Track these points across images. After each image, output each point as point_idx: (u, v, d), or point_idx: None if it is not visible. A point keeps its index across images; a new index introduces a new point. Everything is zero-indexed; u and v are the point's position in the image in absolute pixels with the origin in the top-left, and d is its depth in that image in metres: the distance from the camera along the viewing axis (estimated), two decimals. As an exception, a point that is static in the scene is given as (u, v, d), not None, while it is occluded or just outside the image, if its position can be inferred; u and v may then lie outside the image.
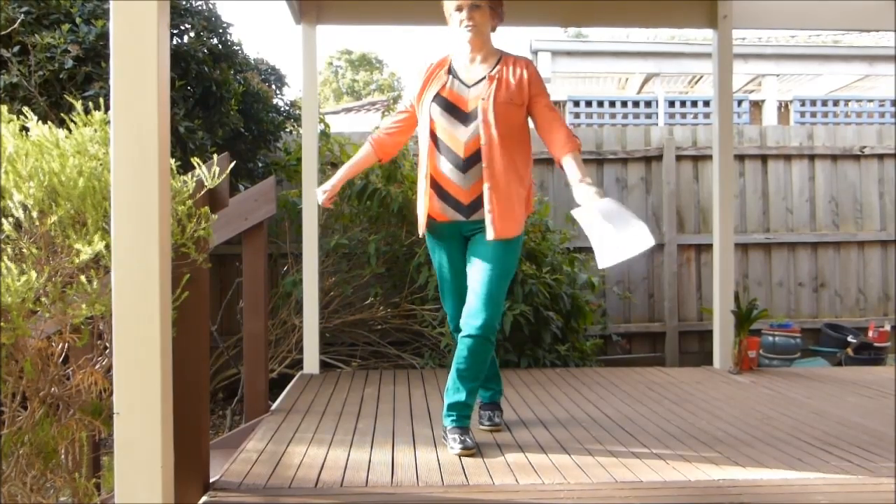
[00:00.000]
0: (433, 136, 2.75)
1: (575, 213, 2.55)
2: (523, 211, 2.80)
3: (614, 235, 2.41)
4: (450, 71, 2.80)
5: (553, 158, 2.75)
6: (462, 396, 2.74)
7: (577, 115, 9.42)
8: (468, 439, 2.66)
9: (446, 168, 2.73)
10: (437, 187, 2.77)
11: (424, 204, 2.81)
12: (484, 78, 2.75)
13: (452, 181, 2.73)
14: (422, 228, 2.86)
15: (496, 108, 2.69)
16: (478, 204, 2.72)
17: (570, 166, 2.64)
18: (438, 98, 2.75)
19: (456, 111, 2.73)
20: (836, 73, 9.86)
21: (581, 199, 2.54)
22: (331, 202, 2.96)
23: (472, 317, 2.68)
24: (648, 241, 2.40)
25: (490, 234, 2.69)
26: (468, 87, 2.75)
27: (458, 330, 2.82)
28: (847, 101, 10.10)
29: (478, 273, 2.71)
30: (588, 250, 5.74)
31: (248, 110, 5.14)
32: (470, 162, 2.69)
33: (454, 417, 2.75)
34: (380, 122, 5.55)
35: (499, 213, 2.69)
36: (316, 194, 3.04)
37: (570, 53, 9.37)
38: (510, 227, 2.71)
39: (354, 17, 4.58)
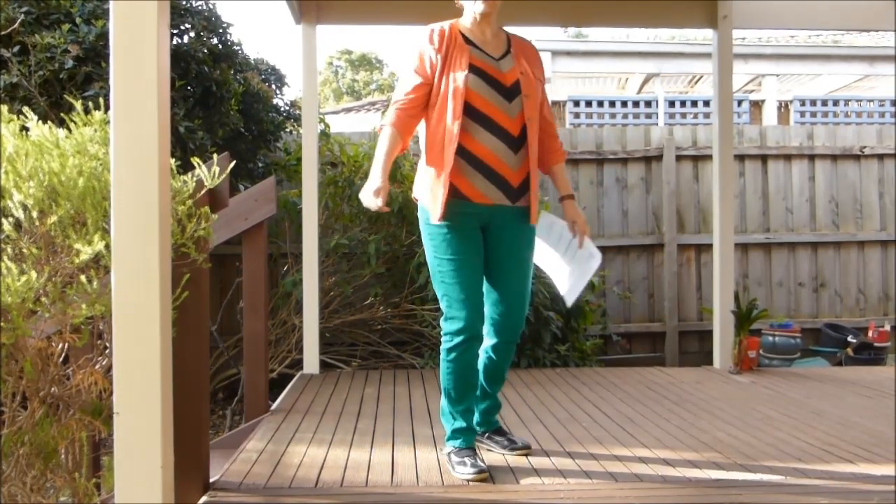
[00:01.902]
0: (469, 110, 2.41)
1: (548, 220, 2.73)
2: None
3: (572, 270, 2.70)
4: (466, 41, 2.50)
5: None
6: (495, 400, 2.71)
7: (577, 115, 9.40)
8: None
9: (493, 145, 2.43)
10: (480, 165, 2.43)
11: (448, 185, 2.41)
12: (508, 52, 2.53)
13: (503, 160, 2.44)
14: (441, 210, 2.41)
15: (535, 84, 2.52)
16: (524, 188, 2.51)
17: (561, 177, 2.68)
18: (474, 68, 2.44)
19: (497, 84, 2.46)
20: (836, 73, 9.85)
21: (570, 215, 2.65)
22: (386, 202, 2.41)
23: (516, 320, 2.54)
24: (597, 259, 2.65)
25: (530, 221, 2.54)
26: (496, 59, 2.49)
27: (475, 336, 2.47)
28: (847, 101, 10.08)
29: (518, 268, 2.55)
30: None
31: (248, 110, 5.14)
32: (520, 141, 2.47)
33: (485, 422, 2.70)
34: (380, 121, 5.53)
35: (535, 199, 2.53)
36: (366, 201, 2.40)
37: (570, 53, 9.36)
38: (536, 216, 2.58)
39: (354, 17, 4.58)
